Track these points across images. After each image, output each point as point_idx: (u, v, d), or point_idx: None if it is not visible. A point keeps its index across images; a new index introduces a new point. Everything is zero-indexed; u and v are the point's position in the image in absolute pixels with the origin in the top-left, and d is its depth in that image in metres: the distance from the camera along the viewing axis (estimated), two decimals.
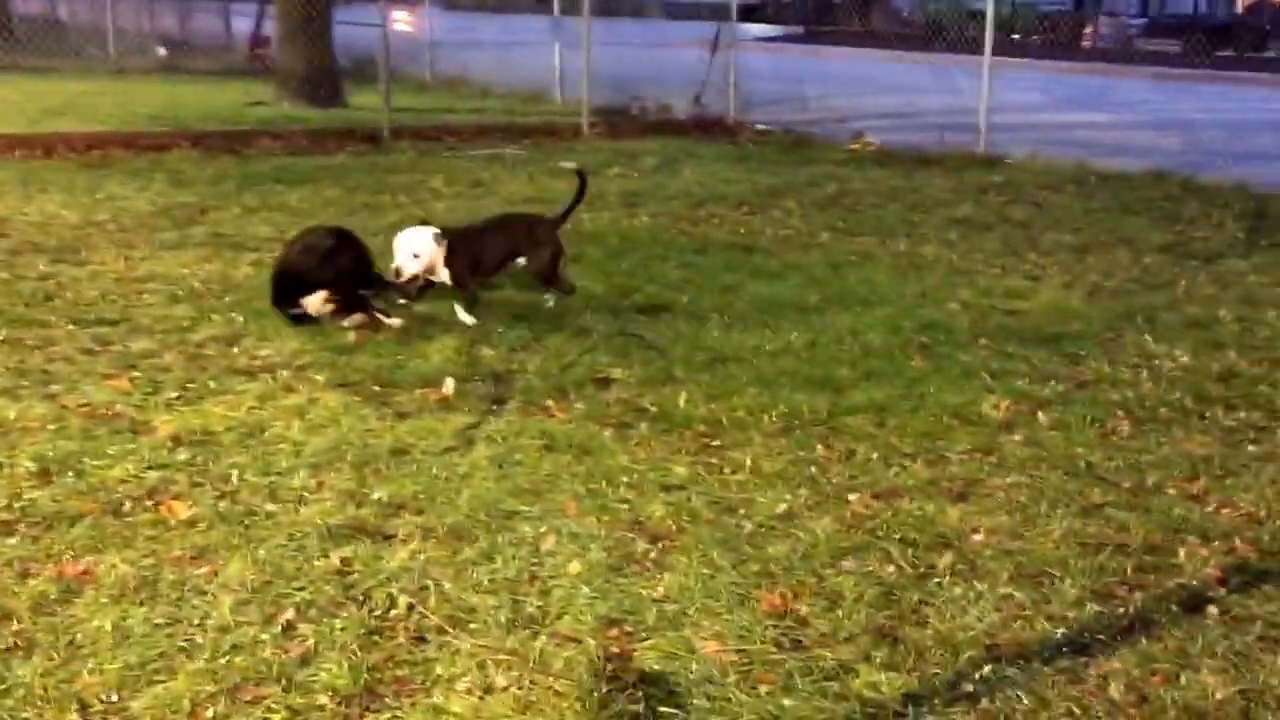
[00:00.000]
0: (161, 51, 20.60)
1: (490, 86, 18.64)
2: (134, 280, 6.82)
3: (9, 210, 8.40)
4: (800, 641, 3.12)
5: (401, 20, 25.22)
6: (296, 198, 9.51)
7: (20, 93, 14.24)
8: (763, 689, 2.91)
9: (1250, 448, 4.62)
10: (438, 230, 6.11)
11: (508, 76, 18.65)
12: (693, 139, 13.84)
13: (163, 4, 23.09)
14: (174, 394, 5.02)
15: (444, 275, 6.10)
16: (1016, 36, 41.24)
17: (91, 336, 5.74)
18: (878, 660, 3.03)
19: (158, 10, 22.66)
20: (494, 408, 4.92)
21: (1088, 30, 39.47)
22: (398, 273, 6.01)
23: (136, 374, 5.27)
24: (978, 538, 3.75)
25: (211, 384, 5.15)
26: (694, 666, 2.99)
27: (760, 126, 14.52)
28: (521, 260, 6.36)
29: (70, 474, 4.15)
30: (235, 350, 5.62)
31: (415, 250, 6.00)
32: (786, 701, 2.87)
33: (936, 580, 3.47)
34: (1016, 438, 4.64)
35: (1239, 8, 47.29)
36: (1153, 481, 4.26)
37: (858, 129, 14.21)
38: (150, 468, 4.23)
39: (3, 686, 2.89)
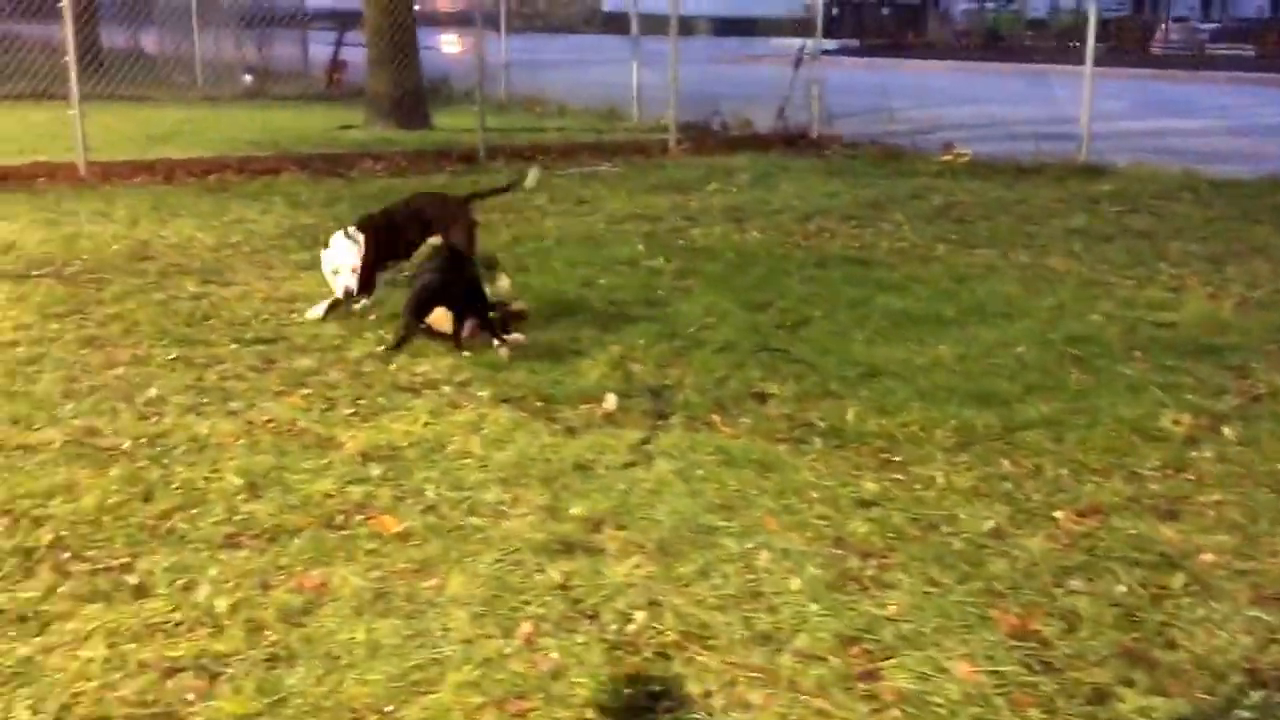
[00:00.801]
0: (248, 79, 20.92)
1: (566, 105, 18.77)
2: (280, 300, 6.94)
3: (149, 234, 8.58)
4: (1050, 663, 3.14)
5: (450, 43, 25.45)
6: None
7: (124, 120, 14.50)
8: (1031, 712, 2.93)
9: None
10: (349, 228, 6.41)
11: (582, 95, 18.77)
12: (780, 153, 13.88)
13: (245, 33, 23.42)
14: (348, 410, 5.11)
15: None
16: (1076, 44, 40.97)
17: (255, 354, 5.86)
18: (1140, 685, 3.03)
19: (241, 39, 22.99)
20: (659, 423, 4.97)
21: (1156, 36, 39.15)
22: (348, 294, 6.36)
23: (307, 390, 5.38)
24: (1206, 558, 3.74)
25: (381, 400, 5.24)
26: (949, 687, 3.02)
27: (847, 140, 14.52)
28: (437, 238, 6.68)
29: (276, 488, 4.25)
30: (392, 367, 5.70)
31: (341, 264, 6.30)
32: None
33: (1174, 602, 3.46)
34: (1207, 454, 4.63)
35: None
36: None
37: (946, 140, 14.18)
38: (349, 482, 4.31)
39: (277, 696, 2.96)
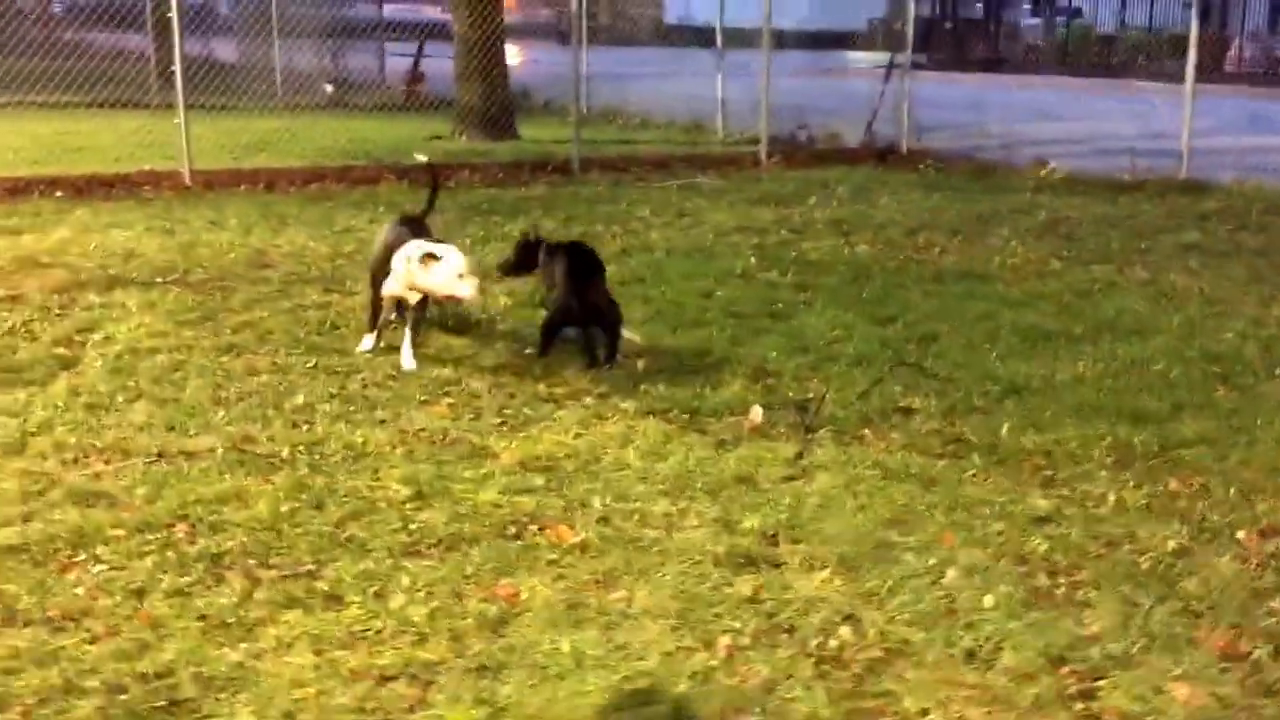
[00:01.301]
0: (329, 89, 21.12)
1: (647, 117, 18.79)
2: None
3: (263, 242, 8.67)
4: (1270, 687, 3.09)
5: (510, 55, 25.50)
6: (517, 228, 9.63)
7: (212, 129, 14.64)
8: None
9: None
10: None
11: (662, 107, 18.79)
12: (871, 167, 13.81)
13: (324, 44, 23.68)
14: (496, 420, 5.14)
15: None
16: (1144, 60, 40.64)
17: (390, 363, 5.89)
18: None
19: (321, 49, 23.25)
20: (809, 437, 4.95)
21: (1231, 53, 38.67)
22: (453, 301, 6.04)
23: (450, 400, 5.40)
24: None
25: (527, 411, 5.26)
26: (1173, 709, 2.97)
27: (937, 154, 14.44)
28: None
29: (443, 498, 4.27)
30: (530, 378, 5.71)
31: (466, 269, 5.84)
32: None
33: None
34: None
35: None
36: None
37: (1037, 155, 14.06)
38: (515, 493, 4.32)
39: (496, 706, 2.97)
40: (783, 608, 3.49)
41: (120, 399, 5.29)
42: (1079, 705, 3.00)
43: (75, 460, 4.60)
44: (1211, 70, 35.59)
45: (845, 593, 3.58)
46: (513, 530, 4.03)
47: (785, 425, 5.12)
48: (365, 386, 5.57)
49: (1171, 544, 3.91)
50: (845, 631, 3.32)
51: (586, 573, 3.71)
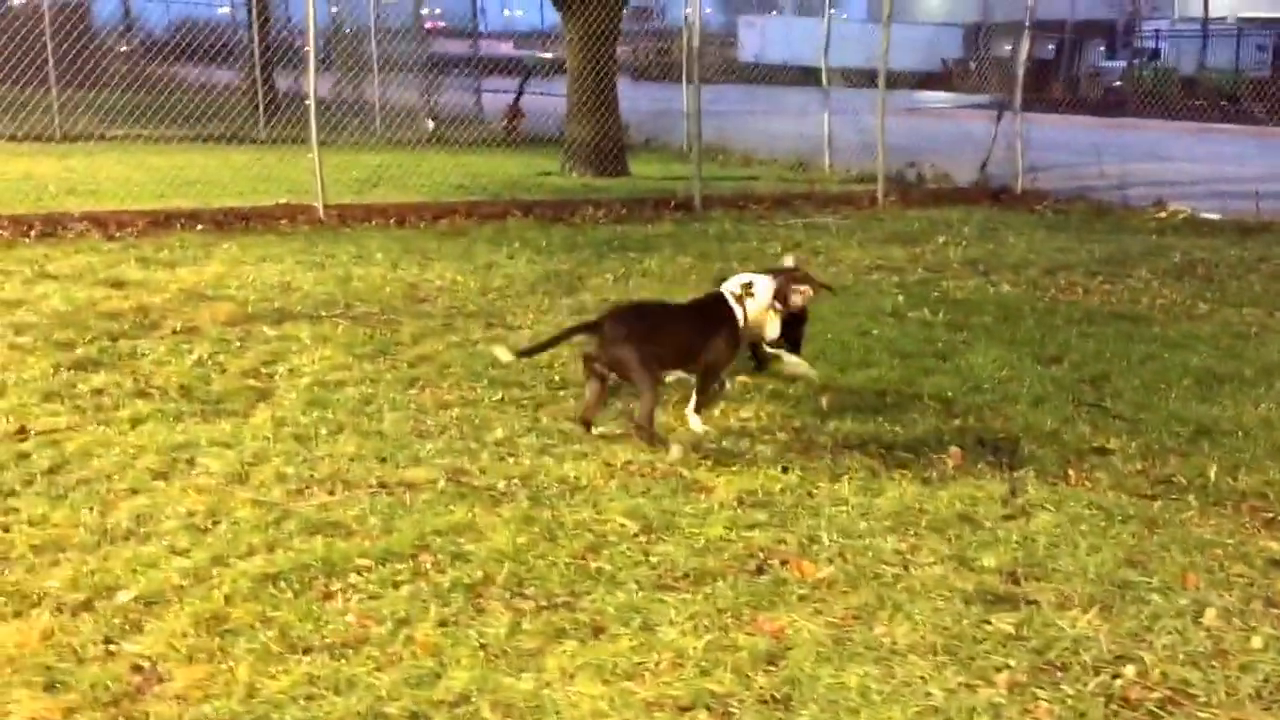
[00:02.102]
0: (430, 124, 21.43)
1: (751, 154, 18.88)
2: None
3: (414, 277, 8.83)
4: None
5: None
6: (654, 264, 9.76)
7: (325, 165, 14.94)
8: None
9: None
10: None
11: (767, 145, 18.89)
12: (988, 207, 13.80)
13: (420, 79, 24.02)
14: (696, 454, 5.17)
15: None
16: (1198, 100, 40.17)
17: (573, 396, 5.96)
18: None
19: (423, 85, 23.60)
20: (1014, 476, 4.96)
21: None
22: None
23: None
24: None
25: (726, 445, 5.31)
26: None
27: (1052, 194, 14.41)
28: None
29: (672, 531, 4.32)
30: (716, 413, 5.75)
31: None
32: None
33: None
34: None
35: None
36: None
37: (1157, 197, 13.99)
38: (744, 528, 4.37)
39: None
40: (1050, 645, 3.49)
41: (323, 431, 5.39)
42: None
43: (300, 491, 4.70)
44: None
45: (1107, 632, 3.57)
46: (754, 565, 4.06)
47: (984, 463, 5.11)
48: (556, 420, 5.64)
49: None
50: (1129, 671, 3.31)
51: (841, 608, 3.74)
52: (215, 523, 4.33)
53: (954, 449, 5.22)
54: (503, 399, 5.95)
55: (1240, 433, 5.52)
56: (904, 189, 14.58)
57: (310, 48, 11.63)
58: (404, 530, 4.30)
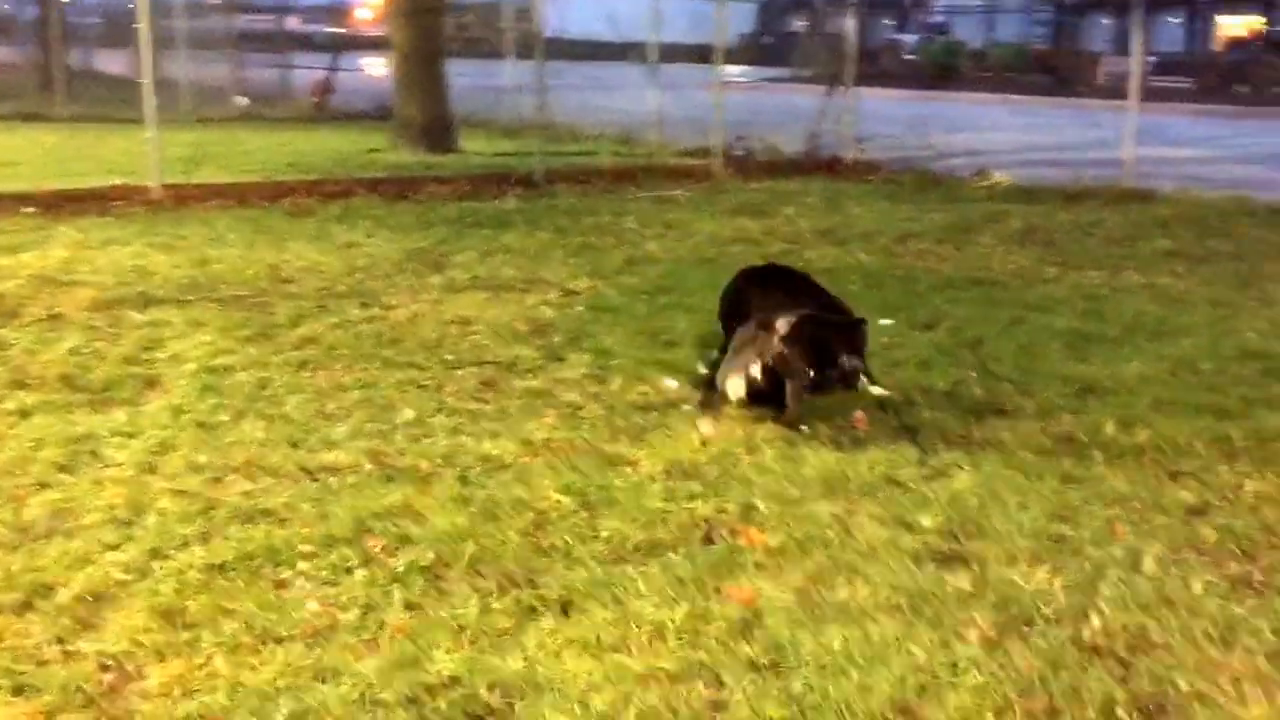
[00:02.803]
0: (244, 101, 20.80)
1: (577, 129, 18.87)
2: (453, 323, 7.00)
3: (272, 258, 8.59)
4: None
5: (375, 66, 25.40)
6: (514, 240, 9.70)
7: (126, 141, 14.32)
8: None
9: None
10: None
11: (588, 121, 18.94)
12: (824, 178, 14.11)
13: (233, 55, 23.30)
14: (608, 430, 5.18)
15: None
16: (986, 72, 41.93)
17: (473, 376, 5.92)
18: None
19: (231, 61, 22.89)
20: (921, 438, 5.10)
21: (1100, 68, 40.13)
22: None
23: (553, 411, 5.43)
24: None
25: (638, 420, 5.32)
26: None
27: (878, 165, 14.82)
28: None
29: (612, 506, 4.34)
30: (614, 388, 5.78)
31: None
32: None
33: None
34: None
35: (1216, 44, 48.36)
36: None
37: (979, 166, 14.53)
38: (682, 499, 4.40)
39: (801, 704, 3.05)
40: (1009, 601, 3.62)
41: (225, 417, 5.23)
42: None
43: (217, 480, 4.55)
44: (1083, 85, 37.03)
45: (1060, 586, 3.71)
46: (701, 535, 4.09)
47: (889, 427, 5.25)
48: (462, 400, 5.58)
49: None
50: (1096, 621, 3.46)
51: (799, 573, 3.80)
52: (139, 515, 4.15)
53: (858, 414, 5.34)
54: (401, 380, 5.84)
55: (1123, 390, 5.78)
56: (738, 162, 14.78)
57: (143, 24, 11.10)
58: (339, 515, 4.20)
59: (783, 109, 18.53)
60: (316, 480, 4.56)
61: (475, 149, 16.69)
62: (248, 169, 13.33)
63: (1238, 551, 4.00)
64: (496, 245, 9.49)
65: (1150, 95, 29.92)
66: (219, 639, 3.34)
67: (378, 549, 3.95)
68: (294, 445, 4.92)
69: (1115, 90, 34.42)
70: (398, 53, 15.95)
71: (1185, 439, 5.07)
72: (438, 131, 15.89)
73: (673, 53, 18.75)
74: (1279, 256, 9.29)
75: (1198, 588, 3.70)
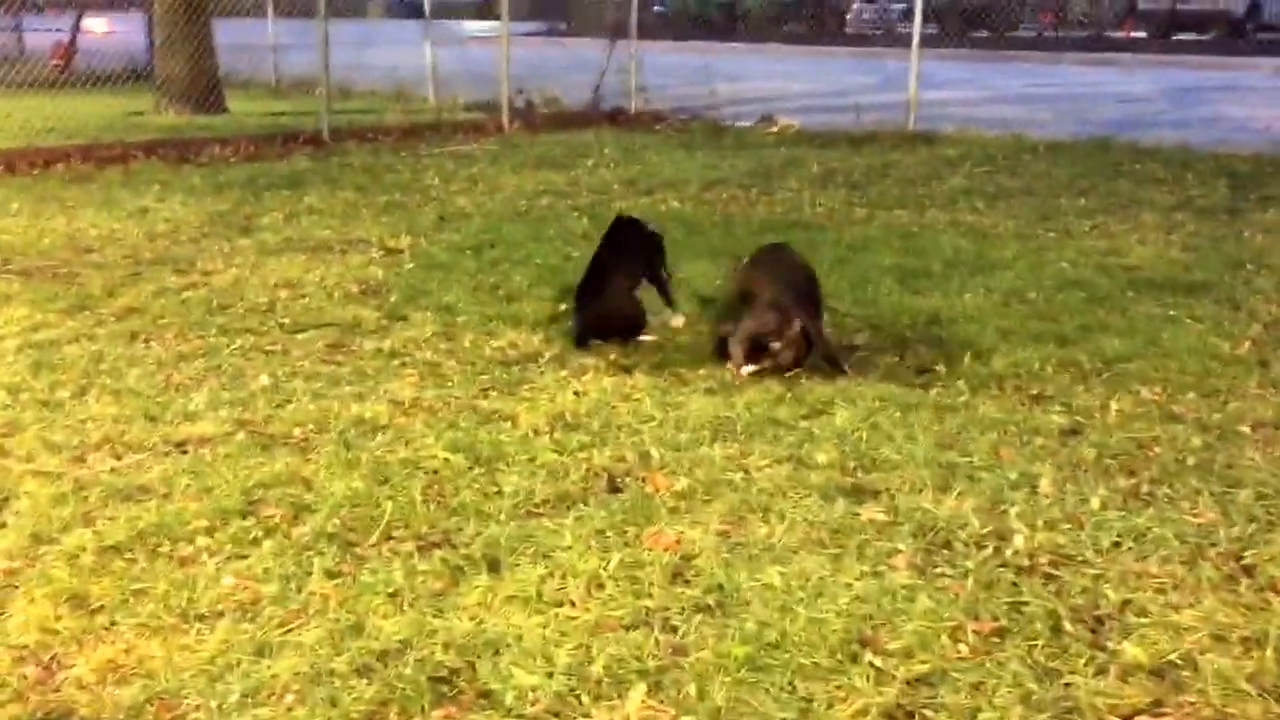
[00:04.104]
0: None
1: (348, 86, 18.34)
2: (280, 286, 6.73)
3: (64, 227, 8.10)
4: None
5: (95, 28, 24.25)
6: (316, 201, 9.39)
7: None
8: None
9: None
10: None
11: (363, 77, 18.46)
12: (614, 129, 14.12)
13: None
14: (480, 387, 5.08)
15: None
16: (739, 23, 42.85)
17: (316, 339, 5.71)
18: None
19: None
20: (788, 376, 5.16)
21: (850, 15, 41.44)
22: None
23: (412, 371, 5.29)
24: None
25: (502, 375, 5.22)
26: None
27: (661, 114, 14.90)
28: None
29: (506, 461, 4.23)
30: (467, 344, 5.67)
31: None
32: None
33: None
34: None
35: None
36: None
37: (763, 113, 14.80)
38: (574, 451, 4.33)
39: (762, 642, 3.04)
40: (926, 528, 3.69)
41: (66, 393, 4.90)
42: (1246, 580, 3.37)
43: (79, 459, 4.26)
44: (835, 32, 38.16)
45: (968, 509, 3.81)
46: (606, 485, 4.04)
47: (758, 368, 5.27)
48: (316, 365, 5.38)
49: (1196, 441, 4.38)
50: (1019, 541, 3.56)
51: (715, 516, 3.79)
52: (6, 500, 3.84)
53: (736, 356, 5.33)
54: (244, 347, 5.58)
55: (966, 320, 5.96)
56: (524, 115, 14.63)
57: None
58: (224, 487, 3.99)
59: (562, 62, 18.41)
60: (187, 453, 4.31)
61: (244, 109, 16.04)
62: (5, 135, 12.44)
63: (1119, 467, 4.18)
64: (300, 206, 9.15)
65: (899, 41, 31.14)
66: (138, 621, 3.12)
67: (277, 518, 3.75)
68: (152, 419, 4.63)
69: (865, 38, 35.74)
70: (159, 8, 15.12)
71: (1039, 365, 5.27)
72: (204, 91, 15.19)
73: (449, 8, 18.50)
74: (1067, 190, 9.73)
75: (1096, 503, 3.85)
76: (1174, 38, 31.87)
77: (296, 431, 4.52)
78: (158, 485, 4.00)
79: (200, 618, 3.15)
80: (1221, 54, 25.99)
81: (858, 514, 3.80)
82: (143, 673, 2.89)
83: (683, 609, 3.22)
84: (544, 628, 3.10)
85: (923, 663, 2.97)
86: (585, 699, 2.80)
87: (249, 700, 2.80)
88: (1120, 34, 32.96)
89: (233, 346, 5.57)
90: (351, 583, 3.34)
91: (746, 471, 4.17)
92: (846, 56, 29.12)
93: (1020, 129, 12.97)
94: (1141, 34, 32.44)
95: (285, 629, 3.11)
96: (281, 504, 3.86)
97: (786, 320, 5.14)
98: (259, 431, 4.50)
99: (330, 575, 3.39)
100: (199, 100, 15.16)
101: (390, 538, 3.65)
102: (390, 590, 3.29)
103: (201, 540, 3.59)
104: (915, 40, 13.21)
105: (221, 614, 3.17)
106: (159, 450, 4.31)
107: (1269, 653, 2.99)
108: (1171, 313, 6.13)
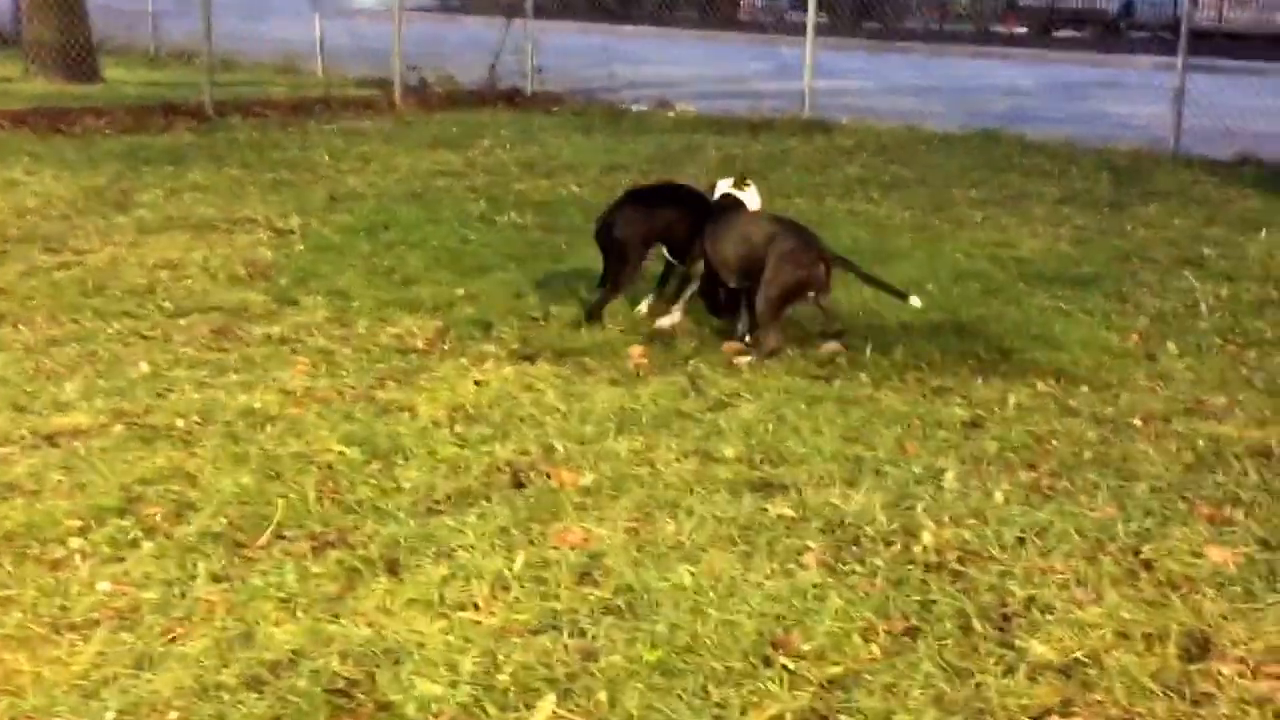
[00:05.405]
0: None
1: (232, 58, 17.84)
2: (160, 267, 6.50)
3: None
4: (1267, 540, 3.61)
5: None
6: (201, 177, 9.09)
7: None
8: None
9: None
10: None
11: (250, 49, 18.01)
12: (510, 110, 13.91)
13: None
14: (375, 376, 4.94)
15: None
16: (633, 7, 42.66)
17: (201, 324, 5.51)
18: None
19: None
20: (687, 368, 5.09)
21: (744, 3, 41.46)
22: None
23: (303, 358, 5.12)
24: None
25: (399, 363, 5.09)
26: (1224, 568, 3.42)
27: (559, 96, 14.73)
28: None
29: (403, 455, 4.09)
30: (362, 330, 5.51)
31: None
32: None
33: None
34: (1181, 365, 5.28)
35: None
36: None
37: (660, 98, 14.70)
38: (475, 444, 4.21)
39: (673, 645, 2.96)
40: (834, 524, 3.64)
41: None
42: (1145, 574, 3.37)
43: None
44: (728, 19, 38.17)
45: (876, 504, 3.76)
46: (509, 480, 3.92)
47: (663, 361, 5.19)
48: (200, 351, 5.18)
49: (1092, 434, 4.40)
50: (927, 537, 3.52)
51: (622, 512, 3.70)
52: None
53: (634, 348, 5.26)
54: (121, 331, 5.36)
55: (867, 312, 5.92)
56: (418, 94, 14.36)
57: None
58: (100, 483, 3.79)
59: (457, 40, 18.13)
60: (58, 446, 4.09)
61: (120, 78, 15.52)
62: None
63: (1020, 461, 4.17)
64: (183, 182, 8.86)
65: (793, 29, 31.25)
66: (3, 632, 2.94)
67: (158, 517, 3.56)
68: (19, 409, 4.40)
69: (759, 25, 35.79)
70: None
71: (938, 357, 5.25)
72: (77, 58, 14.63)
73: None
74: (959, 181, 9.79)
75: (999, 498, 3.83)
76: (1054, 34, 32.49)
77: (179, 423, 4.33)
78: (25, 481, 3.79)
79: (73, 627, 2.98)
80: (1099, 51, 26.52)
81: (766, 510, 3.73)
82: (9, 689, 2.71)
83: (592, 611, 3.11)
84: (447, 634, 2.98)
85: (835, 664, 2.90)
86: (492, 710, 2.68)
87: (127, 717, 2.63)
88: (1003, 28, 33.48)
89: (109, 331, 5.33)
90: (240, 587, 3.18)
91: (653, 466, 4.07)
92: (742, 43, 29.11)
93: (913, 120, 13.05)
94: (1023, 29, 32.97)
95: (167, 639, 2.94)
96: (163, 501, 3.67)
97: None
98: (138, 423, 4.30)
99: (216, 579, 3.22)
100: (71, 68, 14.61)
101: (282, 538, 3.49)
102: (282, 595, 3.13)
103: (74, 542, 3.40)
104: (810, 29, 13.21)
105: (97, 623, 2.99)
106: (27, 443, 4.10)
107: (1171, 649, 2.98)
108: (1063, 305, 6.17)
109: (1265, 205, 8.93)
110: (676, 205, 5.60)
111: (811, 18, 13.27)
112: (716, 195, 5.60)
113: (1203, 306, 6.16)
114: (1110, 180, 9.87)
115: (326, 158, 10.09)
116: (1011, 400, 4.75)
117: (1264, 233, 7.89)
